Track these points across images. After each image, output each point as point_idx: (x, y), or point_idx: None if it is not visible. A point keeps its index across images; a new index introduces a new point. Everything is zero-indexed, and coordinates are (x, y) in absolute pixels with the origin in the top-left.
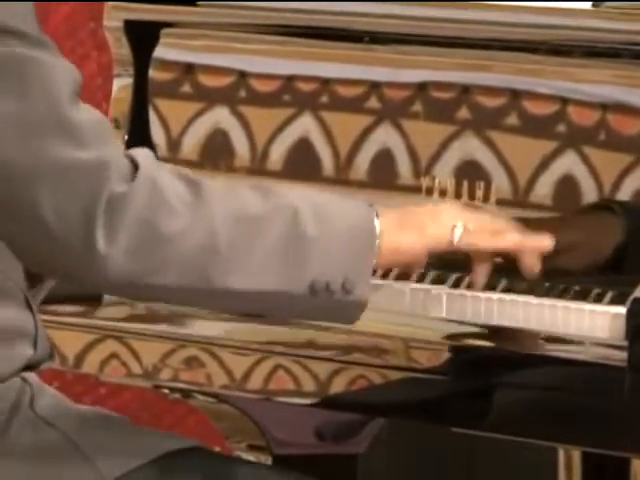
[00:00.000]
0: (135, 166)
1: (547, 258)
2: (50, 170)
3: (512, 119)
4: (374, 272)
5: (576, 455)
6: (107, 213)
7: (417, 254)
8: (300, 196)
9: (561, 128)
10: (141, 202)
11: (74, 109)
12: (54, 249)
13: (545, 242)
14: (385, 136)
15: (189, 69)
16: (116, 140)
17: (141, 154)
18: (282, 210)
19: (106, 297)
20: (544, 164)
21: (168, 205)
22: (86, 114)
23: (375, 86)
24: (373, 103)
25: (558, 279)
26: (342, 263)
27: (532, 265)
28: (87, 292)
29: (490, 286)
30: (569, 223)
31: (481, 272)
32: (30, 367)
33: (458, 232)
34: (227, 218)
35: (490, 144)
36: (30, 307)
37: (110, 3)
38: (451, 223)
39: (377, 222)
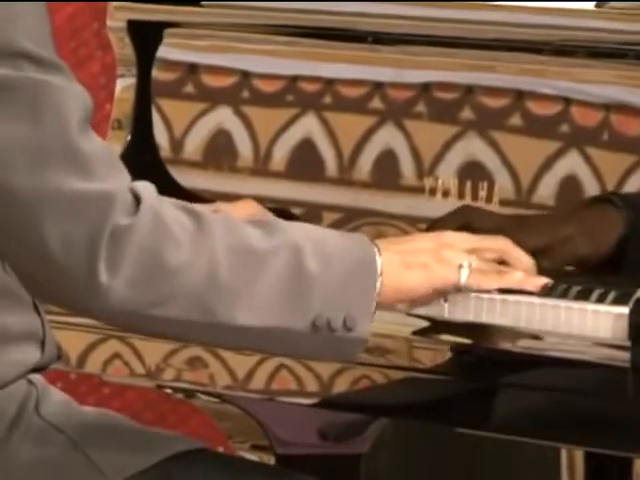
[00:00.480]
0: (137, 199)
1: (550, 258)
2: (56, 199)
3: (515, 119)
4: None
5: (579, 455)
6: (110, 245)
7: (422, 294)
8: (301, 232)
9: (564, 128)
10: (144, 234)
11: (83, 138)
12: (57, 278)
13: (544, 281)
14: (388, 136)
15: (192, 69)
16: (122, 171)
17: (142, 186)
18: (284, 246)
19: None
20: (547, 164)
21: (171, 237)
22: (95, 144)
23: (378, 86)
24: (376, 103)
25: (561, 279)
26: (343, 300)
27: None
28: None
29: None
30: (572, 221)
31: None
32: (37, 369)
33: (464, 273)
34: (230, 250)
35: (493, 144)
36: (38, 311)
37: (113, 3)
38: (457, 262)
39: (379, 260)
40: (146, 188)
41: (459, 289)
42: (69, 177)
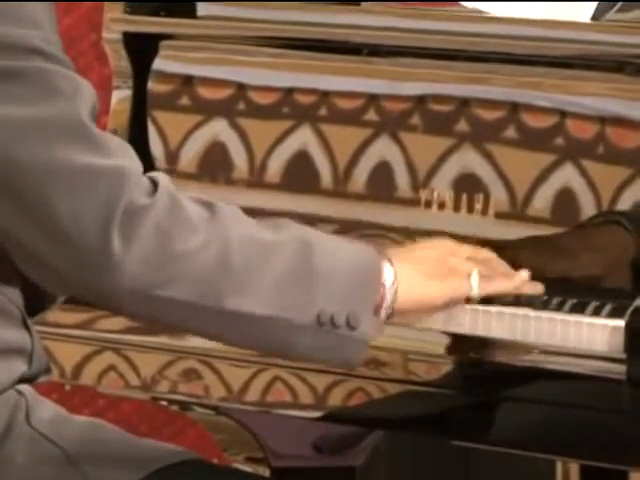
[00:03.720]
0: (154, 183)
1: (547, 272)
2: (66, 172)
3: (511, 132)
4: (390, 316)
5: (574, 468)
6: (125, 219)
7: (437, 305)
8: (309, 230)
9: (560, 141)
10: (161, 214)
11: (93, 125)
12: (68, 254)
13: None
14: (384, 149)
15: (188, 81)
16: (134, 156)
17: (158, 174)
18: (294, 239)
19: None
20: (543, 177)
21: (187, 221)
22: (104, 133)
23: (374, 99)
24: (372, 115)
25: (557, 292)
26: (347, 299)
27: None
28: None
29: (488, 299)
30: (570, 237)
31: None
32: (25, 380)
33: (475, 281)
34: (241, 238)
35: (489, 157)
36: (27, 326)
37: (109, 15)
38: (466, 271)
39: (388, 267)
40: (162, 176)
41: (469, 298)
42: (80, 152)
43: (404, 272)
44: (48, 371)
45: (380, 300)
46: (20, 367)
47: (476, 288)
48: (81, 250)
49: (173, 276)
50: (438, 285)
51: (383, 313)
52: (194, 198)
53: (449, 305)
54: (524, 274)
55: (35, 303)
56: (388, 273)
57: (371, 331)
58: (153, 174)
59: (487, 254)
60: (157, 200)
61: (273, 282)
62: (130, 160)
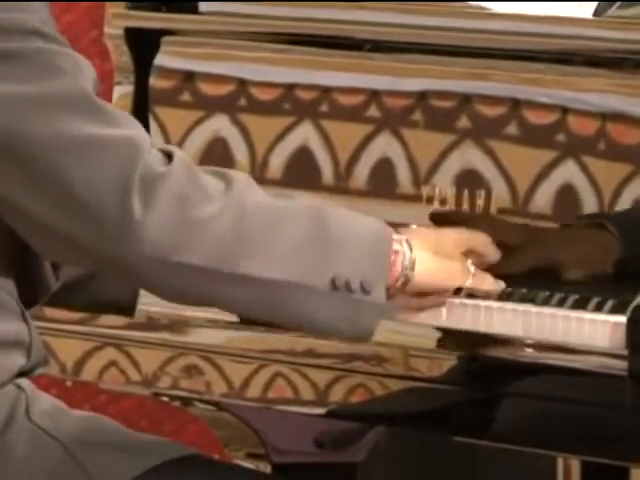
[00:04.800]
0: (168, 154)
1: (548, 267)
2: (76, 143)
3: (512, 128)
4: (403, 288)
5: (575, 464)
6: (144, 186)
7: (448, 285)
8: (323, 202)
9: (561, 137)
10: (179, 181)
11: (98, 98)
12: (86, 222)
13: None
14: (385, 145)
15: (189, 77)
16: (142, 127)
17: (173, 147)
18: (308, 207)
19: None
20: (544, 173)
21: (203, 188)
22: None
23: (375, 95)
24: (373, 112)
25: (558, 288)
26: (361, 264)
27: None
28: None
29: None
30: (570, 235)
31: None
32: (23, 374)
33: (471, 270)
34: (256, 205)
35: (490, 153)
36: (25, 318)
37: (111, 11)
38: (465, 261)
39: (401, 239)
40: (176, 148)
41: (461, 288)
42: (88, 123)
43: (420, 249)
44: (45, 363)
45: (394, 269)
46: (19, 360)
47: (470, 279)
48: (100, 218)
49: (192, 242)
50: (451, 266)
51: (399, 282)
52: (207, 169)
53: (446, 293)
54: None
55: (29, 295)
56: (405, 246)
57: (385, 298)
58: (166, 146)
59: (479, 238)
60: (174, 168)
61: (289, 247)
62: (139, 130)
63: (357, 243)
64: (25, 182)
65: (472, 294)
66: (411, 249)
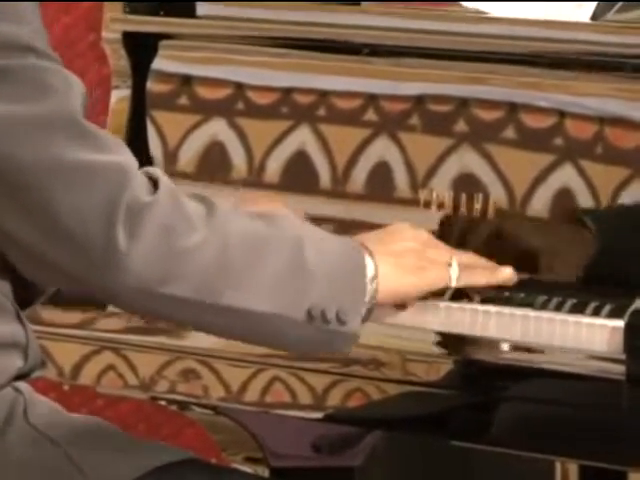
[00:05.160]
0: (154, 180)
1: (544, 271)
2: (64, 169)
3: (510, 132)
4: (370, 310)
5: (573, 469)
6: (129, 216)
7: (415, 295)
8: (302, 226)
9: (559, 141)
10: (165, 212)
11: (86, 120)
12: (71, 251)
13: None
14: (383, 149)
15: (187, 81)
16: (129, 152)
17: (155, 170)
18: (288, 236)
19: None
20: (542, 177)
21: (188, 217)
22: (97, 127)
23: (373, 98)
24: (371, 115)
25: (556, 292)
26: (336, 294)
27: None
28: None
29: (488, 299)
30: (566, 239)
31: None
32: (21, 376)
33: (454, 272)
34: (239, 235)
35: (488, 157)
36: (21, 320)
37: (109, 15)
38: (445, 261)
39: (372, 262)
40: (159, 172)
41: (449, 288)
42: (76, 149)
43: (382, 266)
44: (43, 365)
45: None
46: (16, 362)
47: (455, 280)
48: (85, 247)
49: (176, 274)
50: (414, 276)
51: (366, 306)
52: (190, 194)
53: (426, 296)
54: (508, 270)
55: (24, 296)
56: (370, 267)
57: (359, 323)
58: (149, 170)
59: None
60: (160, 197)
61: (269, 279)
62: (127, 156)
63: (332, 273)
64: (14, 207)
65: (471, 294)
66: (376, 267)
